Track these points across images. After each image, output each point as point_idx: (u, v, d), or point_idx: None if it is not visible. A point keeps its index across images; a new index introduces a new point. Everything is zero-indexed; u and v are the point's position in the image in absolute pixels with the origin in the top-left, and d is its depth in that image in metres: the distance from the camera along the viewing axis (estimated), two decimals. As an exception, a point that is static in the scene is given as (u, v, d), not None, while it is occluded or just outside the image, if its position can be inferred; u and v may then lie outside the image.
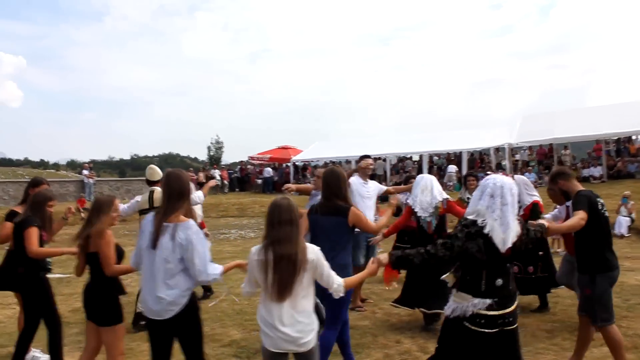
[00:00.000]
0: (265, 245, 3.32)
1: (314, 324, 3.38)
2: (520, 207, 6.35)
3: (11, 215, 5.27)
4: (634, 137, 23.43)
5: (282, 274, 3.22)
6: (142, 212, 6.59)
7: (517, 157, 25.28)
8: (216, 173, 30.68)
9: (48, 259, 5.15)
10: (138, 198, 6.82)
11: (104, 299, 4.11)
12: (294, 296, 3.25)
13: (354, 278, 3.81)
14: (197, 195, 6.95)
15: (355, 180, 6.86)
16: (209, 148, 55.94)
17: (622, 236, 13.21)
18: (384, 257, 3.54)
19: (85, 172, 26.21)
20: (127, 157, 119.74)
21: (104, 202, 4.23)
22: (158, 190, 6.54)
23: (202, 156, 58.69)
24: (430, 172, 22.34)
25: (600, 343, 5.39)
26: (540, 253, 6.69)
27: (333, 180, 4.57)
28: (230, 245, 14.16)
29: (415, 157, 28.45)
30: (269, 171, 30.25)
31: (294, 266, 3.22)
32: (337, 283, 3.45)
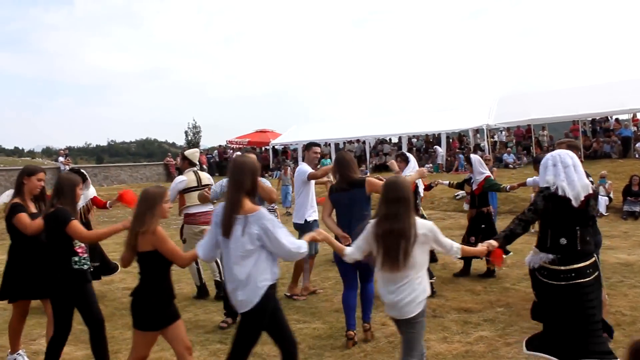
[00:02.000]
0: (377, 220, 3.63)
1: (422, 294, 3.62)
2: (473, 182, 7.64)
3: (16, 209, 4.74)
4: (609, 118, 23.68)
5: (390, 247, 3.52)
6: (188, 190, 6.82)
7: (496, 138, 25.41)
8: (194, 158, 30.33)
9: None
10: (182, 178, 6.94)
11: (155, 303, 3.75)
12: (404, 268, 3.52)
13: (469, 249, 4.09)
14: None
15: (302, 168, 6.86)
16: (186, 133, 55.38)
17: (600, 215, 13.37)
18: (493, 241, 3.94)
19: (61, 159, 25.74)
20: (104, 143, 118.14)
21: (155, 195, 3.83)
22: (199, 170, 7.16)
23: (180, 141, 57.94)
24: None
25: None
26: (483, 226, 7.50)
27: (346, 161, 5.20)
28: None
29: (394, 139, 28.50)
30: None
31: (400, 239, 3.50)
32: (455, 247, 3.75)
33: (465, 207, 7.76)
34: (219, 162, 31.60)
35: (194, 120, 60.82)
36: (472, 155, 8.03)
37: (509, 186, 7.64)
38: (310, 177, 6.68)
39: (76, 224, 4.30)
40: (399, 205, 3.55)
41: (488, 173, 7.70)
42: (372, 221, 3.71)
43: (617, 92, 21.02)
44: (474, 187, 7.66)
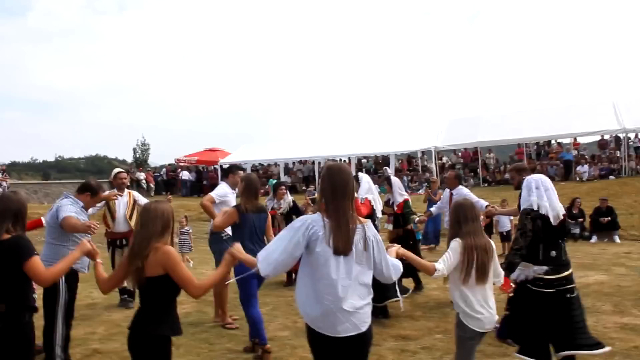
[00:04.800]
0: (461, 238, 3.80)
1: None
2: (392, 204, 7.78)
3: None
4: (552, 142, 24.30)
5: (478, 260, 3.74)
6: None
7: (444, 159, 25.71)
8: (141, 175, 29.70)
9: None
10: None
11: (159, 339, 3.24)
12: (488, 281, 3.84)
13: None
14: None
15: (221, 190, 6.50)
16: (134, 150, 54.12)
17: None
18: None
19: (-2, 174, 24.72)
20: (51, 159, 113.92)
21: (169, 211, 3.35)
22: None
23: (130, 158, 56.30)
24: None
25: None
26: (411, 242, 7.64)
27: (256, 184, 5.55)
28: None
29: (344, 160, 28.42)
30: (186, 174, 29.51)
31: (483, 253, 3.77)
32: (502, 276, 4.10)
33: (388, 226, 7.83)
34: (167, 180, 30.96)
35: (142, 137, 59.23)
36: (393, 178, 8.19)
37: (417, 219, 8.11)
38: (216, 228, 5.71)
39: (38, 261, 3.47)
40: (475, 223, 3.86)
41: (407, 196, 7.95)
42: (457, 239, 3.82)
43: (560, 117, 21.69)
44: (395, 208, 7.76)
